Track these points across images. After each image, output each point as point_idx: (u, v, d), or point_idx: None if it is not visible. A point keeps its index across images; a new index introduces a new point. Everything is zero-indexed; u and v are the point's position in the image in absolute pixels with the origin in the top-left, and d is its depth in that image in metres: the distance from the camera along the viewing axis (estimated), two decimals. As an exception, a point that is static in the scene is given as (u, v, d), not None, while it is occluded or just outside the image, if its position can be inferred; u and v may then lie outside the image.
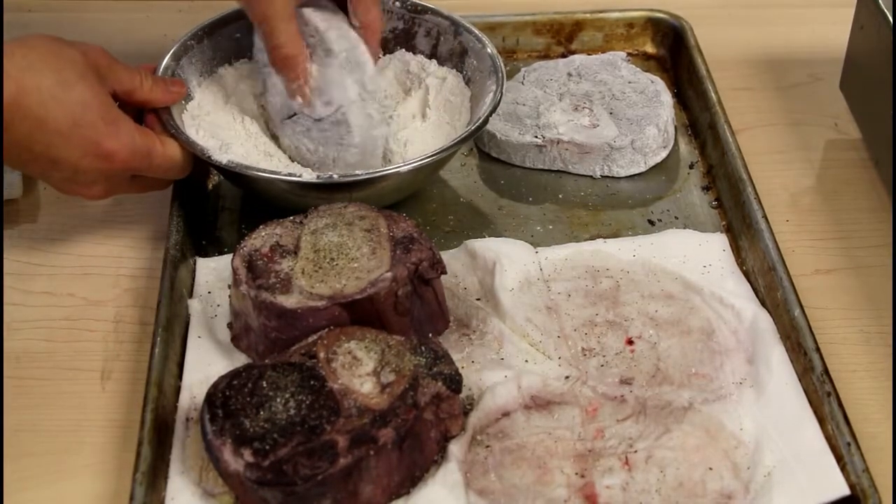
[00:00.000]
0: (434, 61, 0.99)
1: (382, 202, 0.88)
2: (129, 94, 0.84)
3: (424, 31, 1.00)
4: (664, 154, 1.00)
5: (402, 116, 0.96)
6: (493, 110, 0.91)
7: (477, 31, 0.98)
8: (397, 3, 1.00)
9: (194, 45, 0.95)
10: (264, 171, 0.86)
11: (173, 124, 0.87)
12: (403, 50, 1.01)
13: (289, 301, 0.76)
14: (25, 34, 0.80)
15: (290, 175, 0.86)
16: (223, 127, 0.93)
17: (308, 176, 0.85)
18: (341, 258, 0.78)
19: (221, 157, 0.86)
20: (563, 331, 0.83)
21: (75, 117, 0.78)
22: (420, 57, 1.00)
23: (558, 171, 0.99)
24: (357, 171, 0.88)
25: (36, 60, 0.77)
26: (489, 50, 0.96)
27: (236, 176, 0.88)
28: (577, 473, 0.74)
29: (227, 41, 0.97)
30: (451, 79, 0.98)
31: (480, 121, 0.90)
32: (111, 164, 0.81)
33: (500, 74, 0.93)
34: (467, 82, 0.97)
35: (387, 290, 0.76)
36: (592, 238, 0.92)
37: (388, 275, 0.77)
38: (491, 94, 0.92)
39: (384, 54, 1.00)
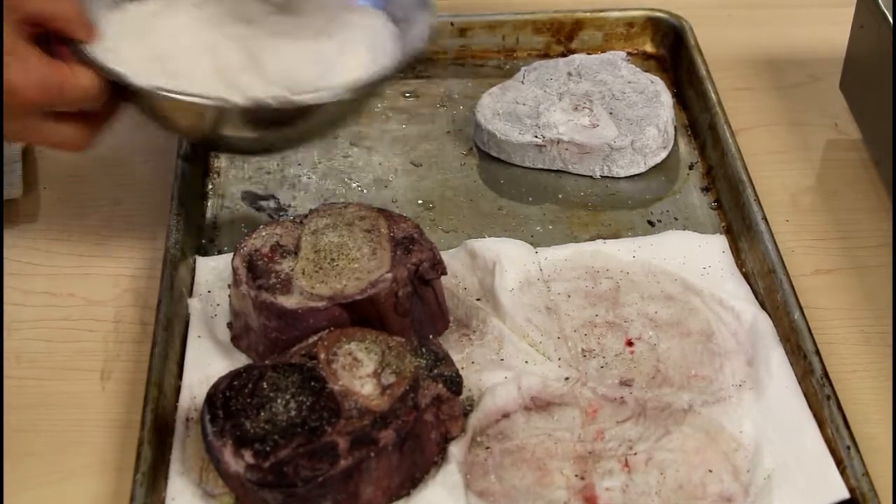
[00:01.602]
0: None
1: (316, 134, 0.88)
2: (48, 20, 0.79)
3: None
4: (664, 154, 1.00)
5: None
6: (426, 37, 0.87)
7: None
8: None
9: None
10: (187, 94, 0.80)
11: (86, 53, 0.80)
12: None
13: (289, 301, 0.76)
14: None
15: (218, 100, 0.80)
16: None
17: (241, 101, 0.79)
18: (342, 259, 0.78)
19: (139, 80, 0.80)
20: (563, 332, 0.83)
21: None
22: None
23: (558, 171, 0.99)
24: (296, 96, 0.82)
25: None
26: None
27: (146, 101, 0.82)
28: (576, 475, 0.74)
29: None
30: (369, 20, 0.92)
31: (417, 44, 0.86)
32: (18, 99, 0.77)
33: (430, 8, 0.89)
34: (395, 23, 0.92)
35: (387, 291, 0.76)
36: (592, 238, 0.92)
37: (389, 275, 0.77)
38: (420, 24, 0.88)
39: None
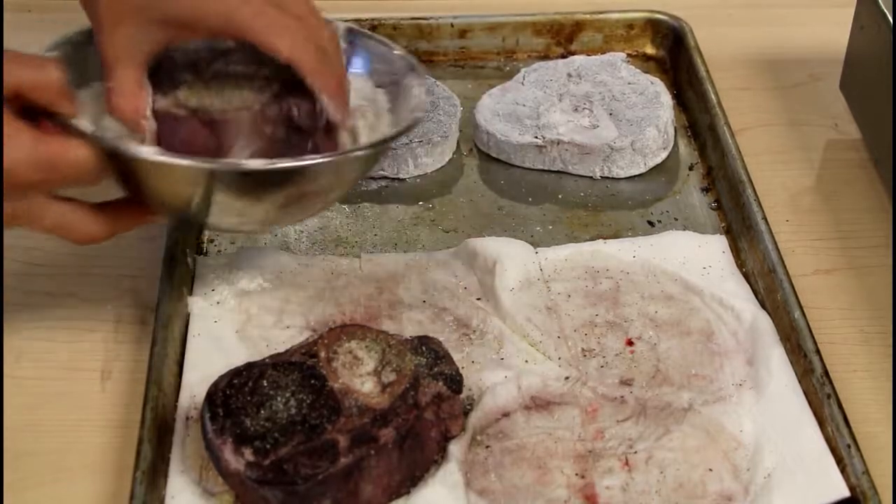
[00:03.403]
0: None
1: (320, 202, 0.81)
2: (32, 90, 0.72)
3: None
4: (664, 155, 1.00)
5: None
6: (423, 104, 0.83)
7: (377, 36, 0.88)
8: None
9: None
10: (204, 160, 0.74)
11: (75, 125, 0.74)
12: None
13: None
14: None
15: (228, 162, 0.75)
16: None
17: (255, 164, 0.74)
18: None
19: (145, 149, 0.74)
20: (563, 331, 0.83)
21: None
22: None
23: (558, 171, 0.99)
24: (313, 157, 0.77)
25: None
26: (396, 52, 0.86)
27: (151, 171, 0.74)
28: (577, 474, 0.74)
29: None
30: (356, 81, 0.85)
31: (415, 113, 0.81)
32: (9, 181, 0.71)
33: (419, 69, 0.84)
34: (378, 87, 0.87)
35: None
36: (592, 239, 0.92)
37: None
38: (416, 87, 0.83)
39: None
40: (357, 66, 0.86)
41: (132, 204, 0.78)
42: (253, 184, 0.75)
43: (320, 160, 0.75)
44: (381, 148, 0.81)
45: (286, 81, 0.78)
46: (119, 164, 0.74)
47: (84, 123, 0.75)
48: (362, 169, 0.83)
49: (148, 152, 0.73)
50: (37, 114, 0.73)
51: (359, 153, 0.78)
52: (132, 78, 0.75)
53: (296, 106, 0.78)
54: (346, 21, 0.86)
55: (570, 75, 1.04)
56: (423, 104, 0.82)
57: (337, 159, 0.77)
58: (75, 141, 0.73)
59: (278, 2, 0.74)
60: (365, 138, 0.81)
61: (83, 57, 0.79)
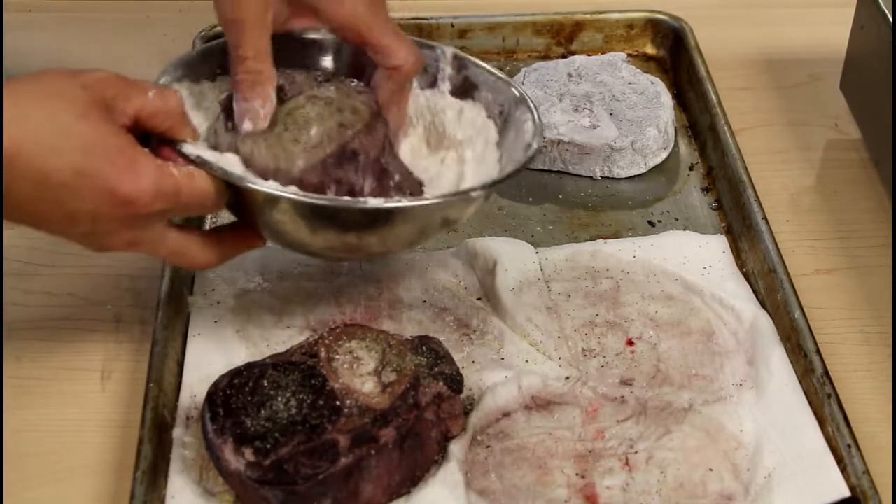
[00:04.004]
0: (446, 93, 0.86)
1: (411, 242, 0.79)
2: (152, 116, 0.72)
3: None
4: (664, 155, 1.00)
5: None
6: (541, 134, 0.80)
7: (480, 63, 0.85)
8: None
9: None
10: (331, 198, 0.73)
11: (197, 154, 0.73)
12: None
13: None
14: (22, 74, 0.71)
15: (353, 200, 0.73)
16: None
17: (375, 202, 0.72)
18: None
19: (269, 183, 0.73)
20: (564, 331, 0.83)
21: (77, 166, 0.67)
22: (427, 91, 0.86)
23: (558, 171, 0.99)
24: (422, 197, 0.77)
25: (29, 108, 0.67)
26: (503, 79, 0.84)
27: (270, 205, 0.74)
28: (577, 474, 0.74)
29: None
30: (468, 110, 0.85)
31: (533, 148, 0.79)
32: (133, 210, 0.69)
33: (530, 102, 0.82)
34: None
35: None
36: (592, 239, 0.92)
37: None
38: (529, 122, 0.81)
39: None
40: (468, 94, 0.85)
41: (241, 229, 0.78)
42: (365, 219, 0.74)
43: (433, 200, 0.75)
44: (494, 188, 0.78)
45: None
46: (233, 193, 0.73)
47: (204, 151, 0.74)
48: (473, 207, 0.80)
49: (267, 185, 0.72)
50: (149, 139, 0.73)
51: (473, 194, 0.76)
52: (262, 40, 0.75)
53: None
54: None
55: (570, 75, 1.04)
56: (536, 141, 0.79)
57: (448, 200, 0.76)
58: (198, 171, 0.72)
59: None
60: (471, 170, 0.81)
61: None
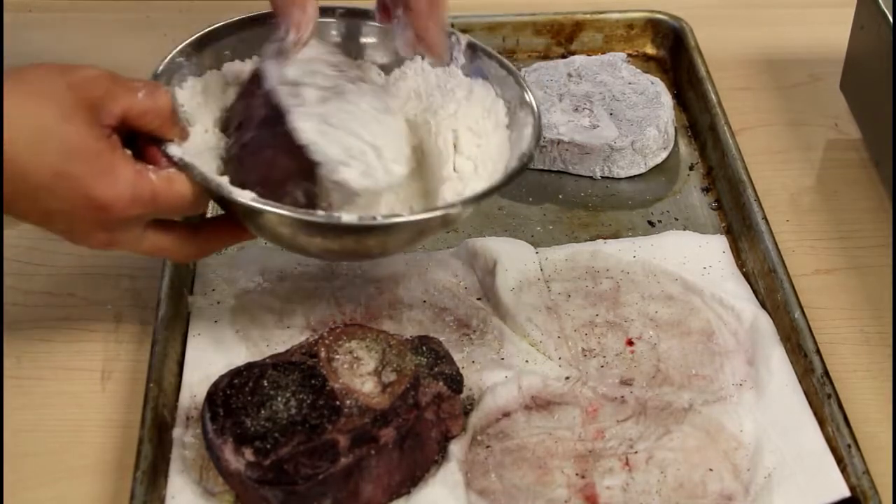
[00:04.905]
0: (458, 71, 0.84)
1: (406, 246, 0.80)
2: (140, 116, 0.71)
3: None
4: (664, 155, 1.00)
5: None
6: (538, 141, 0.79)
7: (496, 54, 0.85)
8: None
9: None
10: (303, 211, 0.72)
11: (180, 157, 0.72)
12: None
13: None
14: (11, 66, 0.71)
15: (327, 216, 0.71)
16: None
17: (348, 218, 0.71)
18: None
19: (243, 193, 0.71)
20: (564, 331, 0.83)
21: (56, 168, 0.67)
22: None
23: (558, 171, 0.99)
24: (405, 214, 0.76)
25: (13, 106, 0.67)
26: (512, 75, 0.83)
27: (251, 214, 0.74)
28: (577, 474, 0.74)
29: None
30: (478, 90, 0.83)
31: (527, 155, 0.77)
32: (108, 215, 0.70)
33: (535, 107, 0.81)
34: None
35: None
36: (592, 238, 0.92)
37: None
38: (529, 127, 0.79)
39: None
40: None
41: (227, 223, 0.77)
42: (347, 234, 0.74)
43: (412, 218, 0.73)
44: (476, 203, 0.76)
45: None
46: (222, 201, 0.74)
47: (189, 154, 0.73)
48: (470, 208, 0.77)
49: (246, 196, 0.71)
50: (136, 137, 0.73)
51: (450, 211, 0.74)
52: None
53: None
54: None
55: (570, 75, 1.04)
56: (531, 150, 0.78)
57: (431, 216, 0.74)
58: (178, 175, 0.72)
59: None
60: (481, 150, 0.79)
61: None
